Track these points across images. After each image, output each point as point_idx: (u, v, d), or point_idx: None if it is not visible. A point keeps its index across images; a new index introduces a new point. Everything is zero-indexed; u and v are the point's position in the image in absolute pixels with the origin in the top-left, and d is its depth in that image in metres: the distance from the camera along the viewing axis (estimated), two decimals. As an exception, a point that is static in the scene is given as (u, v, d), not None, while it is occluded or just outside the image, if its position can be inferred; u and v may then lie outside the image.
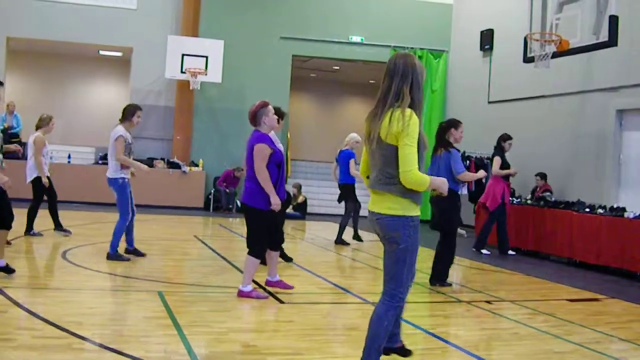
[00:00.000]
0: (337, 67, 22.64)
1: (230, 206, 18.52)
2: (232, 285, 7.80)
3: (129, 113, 9.01)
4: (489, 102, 17.59)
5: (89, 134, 20.92)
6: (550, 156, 14.79)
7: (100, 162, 18.00)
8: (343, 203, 12.70)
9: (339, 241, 12.39)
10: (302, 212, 18.08)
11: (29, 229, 10.67)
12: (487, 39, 17.69)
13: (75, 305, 6.23)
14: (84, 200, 16.95)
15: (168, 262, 9.65)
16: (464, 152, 16.05)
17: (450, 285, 8.59)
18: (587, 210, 11.49)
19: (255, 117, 7.07)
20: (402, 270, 4.26)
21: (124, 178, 8.93)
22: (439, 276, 8.56)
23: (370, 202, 4.37)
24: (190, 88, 18.16)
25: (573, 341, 5.99)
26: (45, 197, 10.95)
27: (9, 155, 9.72)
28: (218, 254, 9.23)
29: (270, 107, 7.16)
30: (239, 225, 15.69)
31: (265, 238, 7.11)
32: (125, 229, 8.99)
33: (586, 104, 14.16)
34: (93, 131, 20.82)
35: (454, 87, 19.70)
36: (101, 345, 4.97)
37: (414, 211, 4.25)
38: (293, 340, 5.60)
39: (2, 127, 17.33)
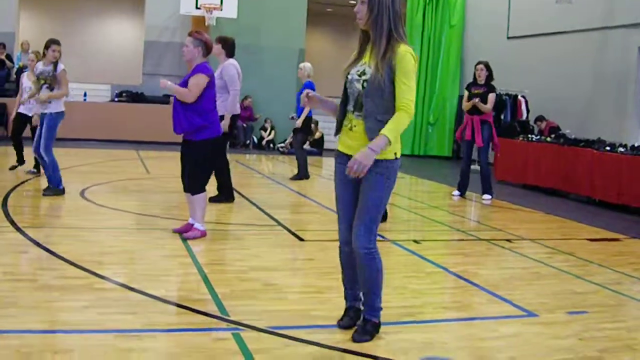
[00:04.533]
0: (354, 2, 22.22)
1: (248, 142, 18.48)
2: (252, 223, 7.83)
3: (45, 47, 8.79)
4: (508, 38, 17.23)
5: (105, 72, 20.74)
6: (570, 93, 14.52)
7: (116, 99, 17.92)
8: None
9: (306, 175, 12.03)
10: (319, 148, 18.05)
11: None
12: (508, -28, 17.24)
13: (95, 244, 6.24)
14: (100, 137, 16.91)
15: (185, 199, 9.63)
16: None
17: None
18: (608, 148, 11.29)
19: None
20: None
21: None
22: None
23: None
24: (206, 24, 17.90)
25: (594, 281, 5.96)
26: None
27: None
28: (236, 191, 9.19)
29: None
30: (256, 161, 15.68)
31: None
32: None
33: (608, 41, 13.81)
34: (109, 69, 20.68)
35: (472, 22, 19.27)
36: (122, 285, 4.99)
37: None
38: (314, 278, 5.61)
39: (18, 66, 17.28)
